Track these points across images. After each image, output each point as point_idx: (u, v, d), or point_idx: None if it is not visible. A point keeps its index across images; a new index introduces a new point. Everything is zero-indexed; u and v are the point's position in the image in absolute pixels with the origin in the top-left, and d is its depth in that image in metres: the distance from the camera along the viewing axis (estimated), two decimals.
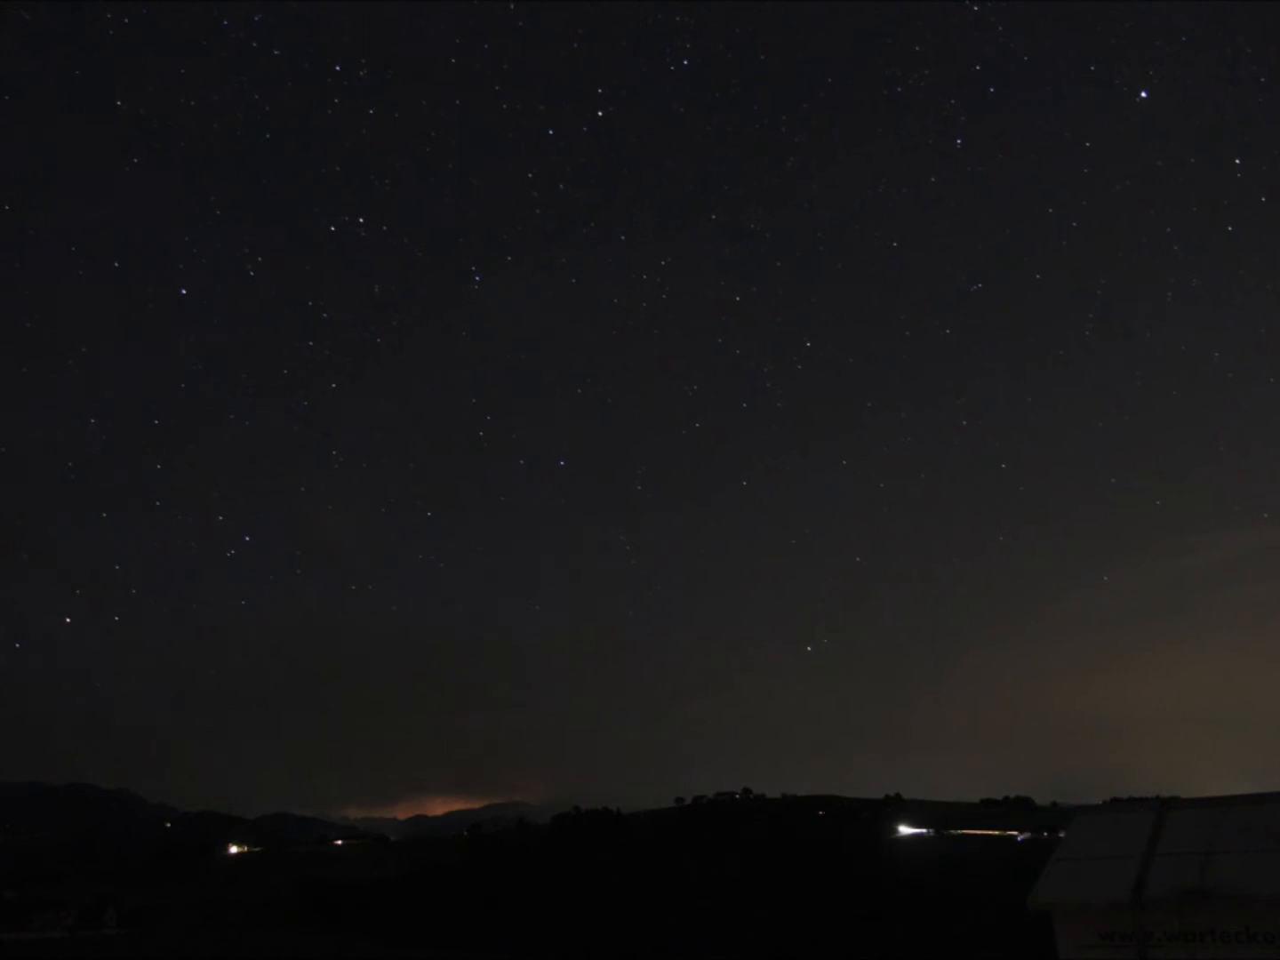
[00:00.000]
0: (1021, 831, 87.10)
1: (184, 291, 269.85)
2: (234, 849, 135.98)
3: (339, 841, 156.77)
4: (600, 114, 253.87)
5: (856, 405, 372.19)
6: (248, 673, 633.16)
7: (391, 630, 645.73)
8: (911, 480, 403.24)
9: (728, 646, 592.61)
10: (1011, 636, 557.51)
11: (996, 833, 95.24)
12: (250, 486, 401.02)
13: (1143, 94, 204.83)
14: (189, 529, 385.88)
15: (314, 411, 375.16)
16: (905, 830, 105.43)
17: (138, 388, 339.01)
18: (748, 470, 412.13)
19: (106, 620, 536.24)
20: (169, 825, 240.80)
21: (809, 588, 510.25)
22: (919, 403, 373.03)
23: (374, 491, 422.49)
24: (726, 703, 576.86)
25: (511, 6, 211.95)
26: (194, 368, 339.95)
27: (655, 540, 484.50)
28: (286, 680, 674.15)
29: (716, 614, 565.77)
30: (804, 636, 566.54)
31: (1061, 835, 9.32)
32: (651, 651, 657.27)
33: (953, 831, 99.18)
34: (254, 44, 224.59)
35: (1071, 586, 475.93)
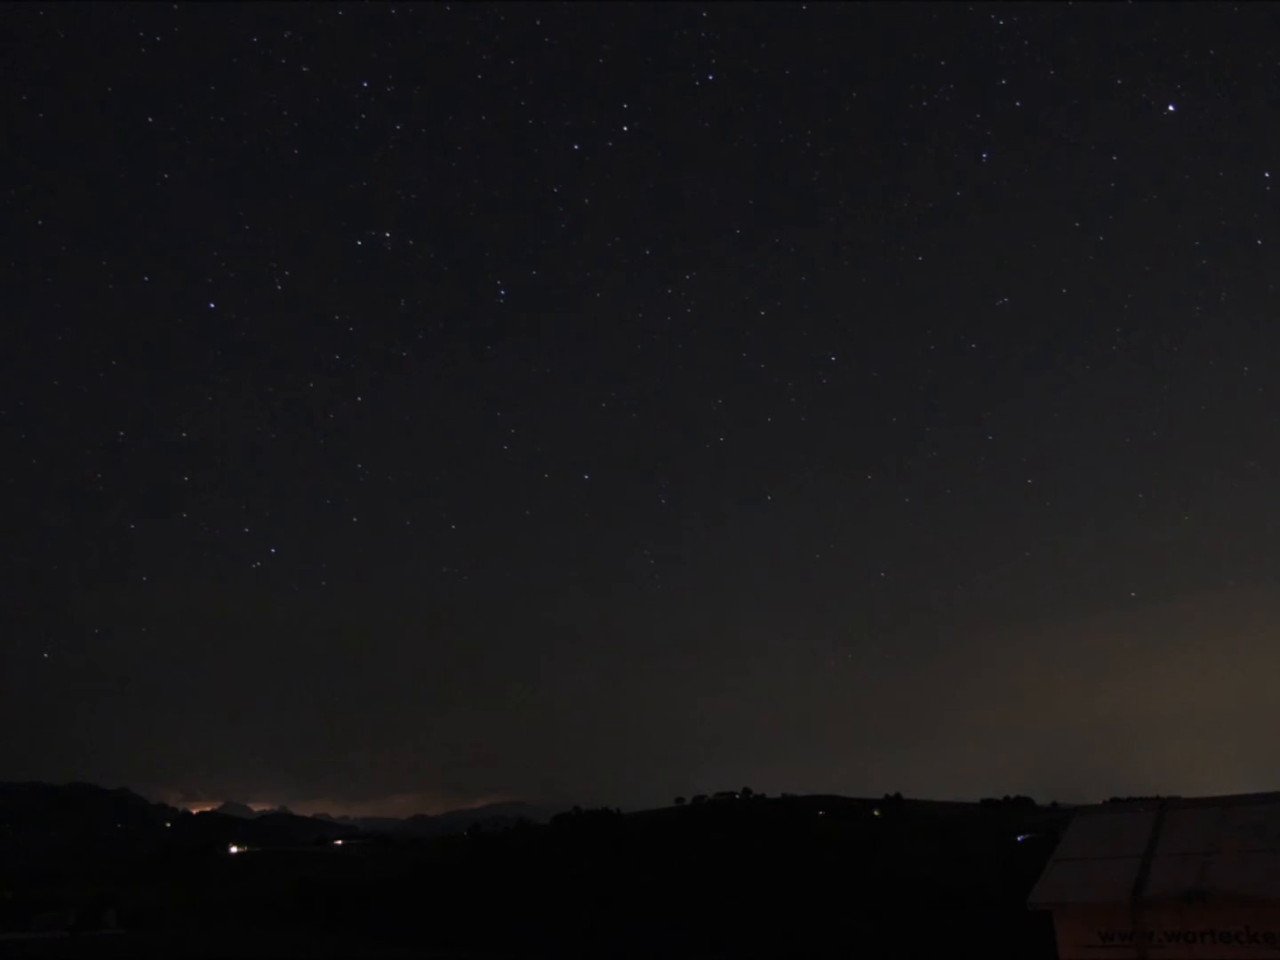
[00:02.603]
0: (1021, 832, 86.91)
1: (212, 305, 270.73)
2: (234, 849, 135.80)
3: (339, 841, 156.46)
4: (625, 129, 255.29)
5: (881, 420, 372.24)
6: (250, 674, 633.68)
7: (405, 637, 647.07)
8: (936, 495, 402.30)
9: (731, 649, 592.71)
10: (1013, 638, 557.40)
11: (996, 833, 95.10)
12: (276, 499, 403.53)
13: (1170, 107, 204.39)
14: (215, 541, 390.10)
15: (339, 424, 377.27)
16: None
17: (166, 400, 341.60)
18: (771, 484, 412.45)
19: (133, 630, 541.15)
20: (169, 825, 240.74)
21: (827, 599, 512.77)
22: (944, 417, 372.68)
23: (398, 504, 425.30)
24: (727, 703, 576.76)
25: (538, 23, 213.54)
26: (221, 380, 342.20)
27: (677, 553, 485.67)
28: (289, 681, 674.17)
29: (725, 620, 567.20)
30: (814, 642, 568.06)
31: (1061, 835, 9.31)
32: (653, 652, 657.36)
33: (952, 831, 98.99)
34: (282, 60, 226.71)
35: (1083, 594, 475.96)
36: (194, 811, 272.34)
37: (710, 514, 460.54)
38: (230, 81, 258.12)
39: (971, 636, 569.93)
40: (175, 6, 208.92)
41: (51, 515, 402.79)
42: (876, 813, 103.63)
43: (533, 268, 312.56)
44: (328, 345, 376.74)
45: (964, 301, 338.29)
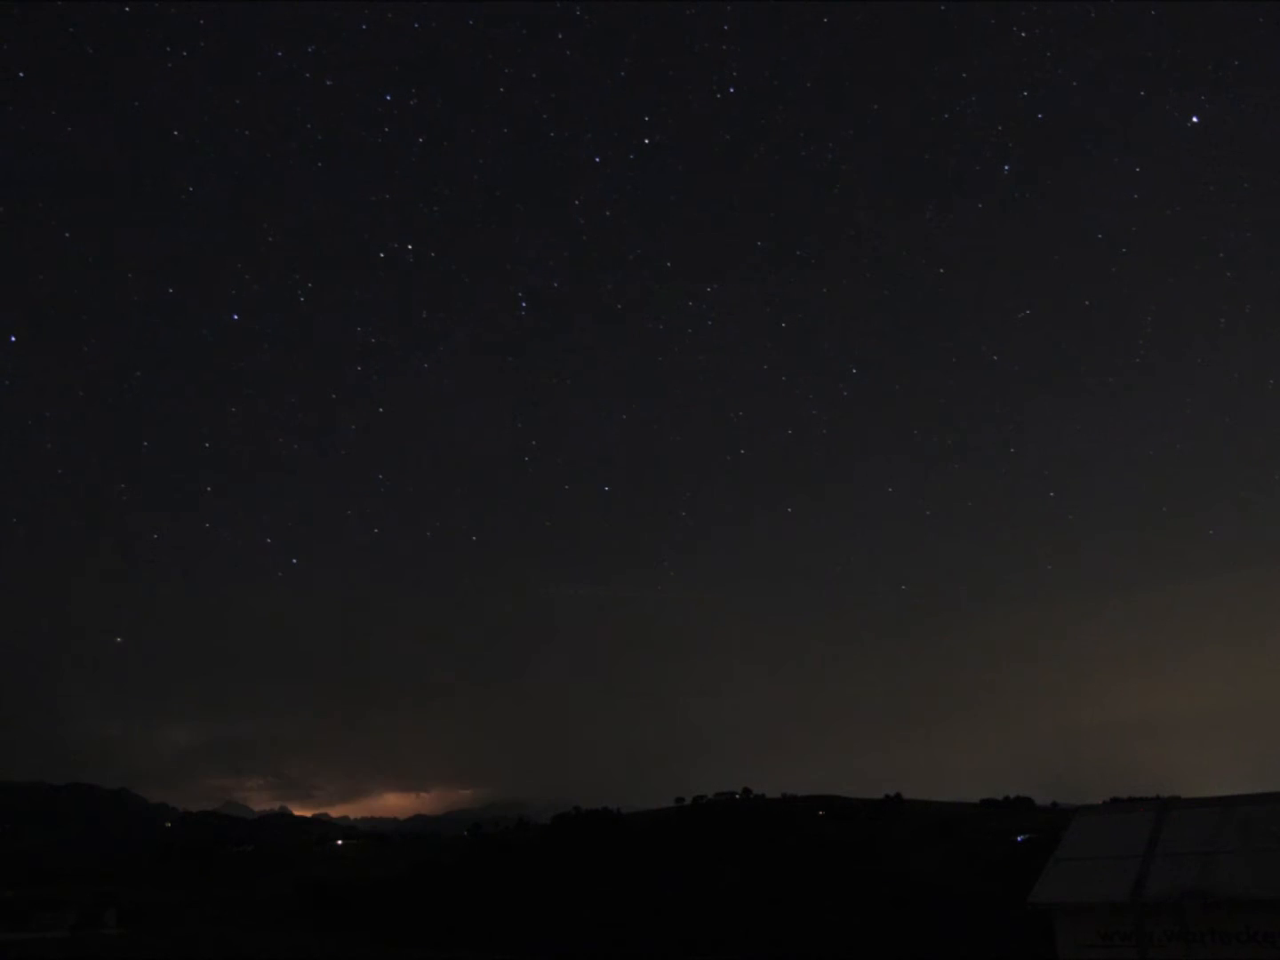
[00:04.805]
0: (1021, 832, 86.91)
1: (235, 317, 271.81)
2: (235, 849, 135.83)
3: (339, 841, 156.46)
4: (647, 141, 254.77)
5: (902, 432, 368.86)
6: (252, 674, 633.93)
7: (413, 641, 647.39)
8: (958, 507, 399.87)
9: (733, 650, 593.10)
10: (1014, 639, 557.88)
11: (996, 833, 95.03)
12: (297, 509, 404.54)
13: (1194, 118, 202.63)
14: (237, 551, 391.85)
15: (361, 435, 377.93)
16: None
17: (189, 412, 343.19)
18: (792, 497, 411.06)
19: (156, 639, 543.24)
20: (169, 825, 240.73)
21: (841, 607, 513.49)
22: (966, 430, 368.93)
23: (419, 516, 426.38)
24: (727, 703, 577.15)
25: (559, 35, 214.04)
26: (244, 392, 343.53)
27: (693, 561, 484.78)
28: (289, 683, 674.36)
29: (729, 623, 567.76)
30: (816, 643, 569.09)
31: (1061, 835, 9.30)
32: (653, 652, 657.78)
33: (952, 831, 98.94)
34: (306, 74, 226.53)
35: (1083, 594, 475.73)
36: (194, 811, 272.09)
37: (729, 525, 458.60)
38: (254, 94, 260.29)
39: (972, 637, 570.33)
40: (201, 21, 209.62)
41: (70, 520, 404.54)
42: (863, 814, 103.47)
43: (554, 279, 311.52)
44: (349, 356, 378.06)
45: (986, 313, 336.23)
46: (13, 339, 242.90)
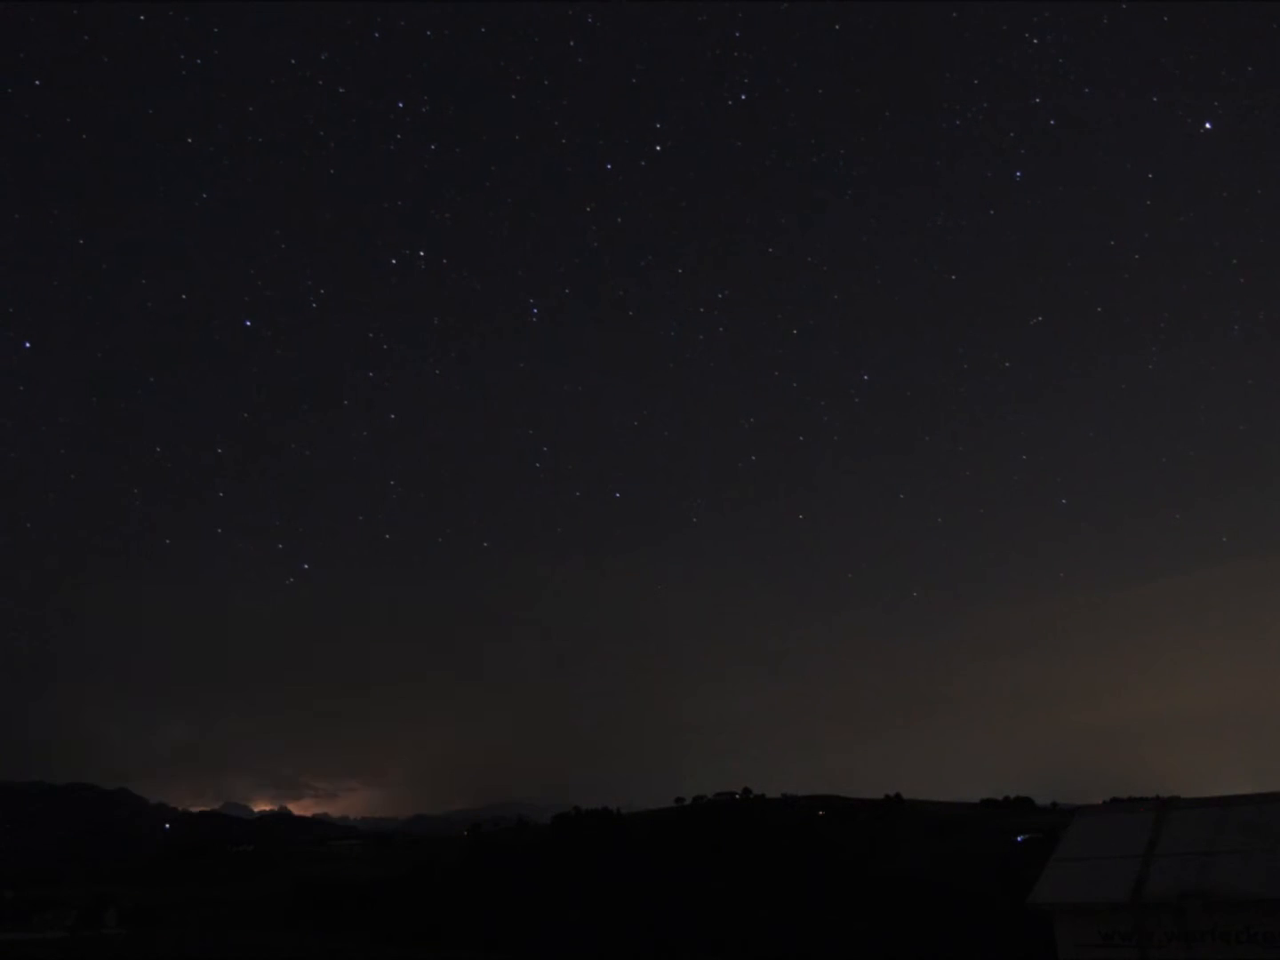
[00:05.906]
0: (1021, 832, 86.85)
1: (248, 323, 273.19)
2: (234, 849, 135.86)
3: (339, 841, 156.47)
4: (658, 148, 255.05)
5: (914, 439, 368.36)
6: (252, 676, 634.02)
7: (419, 644, 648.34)
8: (967, 513, 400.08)
9: (732, 650, 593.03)
10: (1013, 638, 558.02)
11: (996, 833, 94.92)
12: (309, 516, 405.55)
13: (1207, 125, 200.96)
14: (248, 557, 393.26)
15: (372, 442, 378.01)
16: None
17: (202, 417, 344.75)
18: (802, 502, 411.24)
19: (157, 640, 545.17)
20: (169, 825, 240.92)
21: (850, 612, 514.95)
22: (977, 437, 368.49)
23: (430, 521, 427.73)
24: (727, 703, 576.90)
25: (571, 43, 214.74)
26: (257, 398, 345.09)
27: (703, 566, 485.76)
28: (290, 684, 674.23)
29: (736, 625, 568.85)
30: (817, 644, 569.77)
31: (1061, 835, 9.30)
32: (654, 652, 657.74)
33: (952, 831, 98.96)
34: (320, 81, 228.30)
35: (1085, 595, 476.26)
36: (194, 811, 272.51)
37: (739, 529, 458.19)
38: (268, 102, 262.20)
39: (972, 637, 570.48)
40: (215, 29, 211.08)
41: (79, 522, 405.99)
42: (863, 814, 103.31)
43: (565, 286, 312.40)
44: (361, 363, 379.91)
45: (997, 320, 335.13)
46: (26, 344, 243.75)
